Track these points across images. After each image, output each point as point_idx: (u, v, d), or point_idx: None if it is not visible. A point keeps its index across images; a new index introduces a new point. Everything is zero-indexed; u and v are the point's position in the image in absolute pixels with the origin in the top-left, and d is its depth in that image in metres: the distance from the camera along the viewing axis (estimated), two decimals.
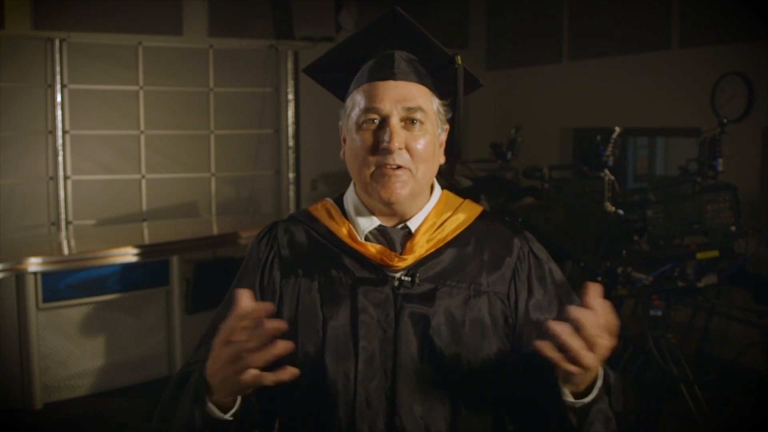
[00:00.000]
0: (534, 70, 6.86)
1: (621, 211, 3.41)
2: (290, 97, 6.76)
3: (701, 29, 5.22)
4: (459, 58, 1.42)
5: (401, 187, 1.35)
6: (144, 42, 6.17)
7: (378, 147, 1.34)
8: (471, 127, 7.39)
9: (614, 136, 3.61)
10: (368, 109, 1.35)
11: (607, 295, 3.54)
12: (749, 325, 3.58)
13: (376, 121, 1.36)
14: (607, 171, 3.60)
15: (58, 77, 5.87)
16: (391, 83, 1.36)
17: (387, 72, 1.37)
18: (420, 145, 1.36)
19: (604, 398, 1.26)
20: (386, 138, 1.33)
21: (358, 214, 1.43)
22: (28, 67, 5.79)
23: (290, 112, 6.79)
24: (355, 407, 1.32)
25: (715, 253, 3.24)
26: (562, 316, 1.43)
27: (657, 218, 3.26)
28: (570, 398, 1.23)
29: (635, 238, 3.41)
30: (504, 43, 7.19)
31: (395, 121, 1.35)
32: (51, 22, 5.83)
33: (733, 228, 3.21)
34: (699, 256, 3.24)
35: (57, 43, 5.83)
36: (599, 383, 1.24)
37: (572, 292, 1.47)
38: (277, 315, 1.39)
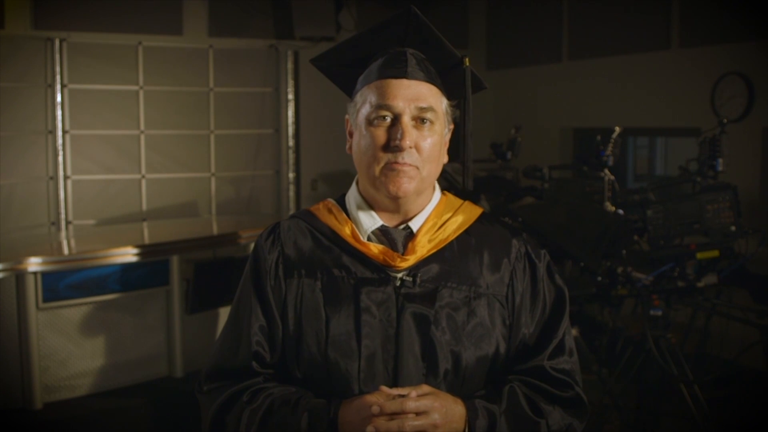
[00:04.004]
0: (534, 70, 6.86)
1: (621, 211, 3.41)
2: (290, 97, 6.75)
3: (701, 29, 5.22)
4: (467, 59, 1.43)
5: (408, 182, 1.36)
6: (144, 42, 6.17)
7: (389, 144, 1.35)
8: (471, 126, 7.38)
9: (614, 136, 3.61)
10: (380, 106, 1.37)
11: (607, 295, 3.52)
12: (749, 325, 3.58)
13: (388, 119, 1.37)
14: (607, 171, 3.60)
15: (58, 77, 5.87)
16: (404, 82, 1.38)
17: (400, 70, 1.38)
18: (428, 144, 1.37)
19: None
20: (398, 136, 1.34)
21: (361, 212, 1.44)
22: (28, 67, 5.78)
23: (290, 112, 6.79)
24: None
25: (715, 253, 3.24)
26: (551, 326, 1.45)
27: (657, 218, 3.26)
28: None
29: (635, 238, 3.41)
30: (504, 43, 7.18)
31: (407, 120, 1.36)
32: (51, 22, 5.82)
33: (733, 228, 3.21)
34: (699, 256, 3.24)
35: (57, 43, 5.83)
36: None
37: (564, 299, 1.49)
38: (282, 315, 1.41)
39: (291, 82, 6.73)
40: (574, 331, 3.23)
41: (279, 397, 1.35)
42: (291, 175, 6.88)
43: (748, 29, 4.83)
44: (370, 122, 1.38)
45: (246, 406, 1.36)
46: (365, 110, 1.39)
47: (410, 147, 1.35)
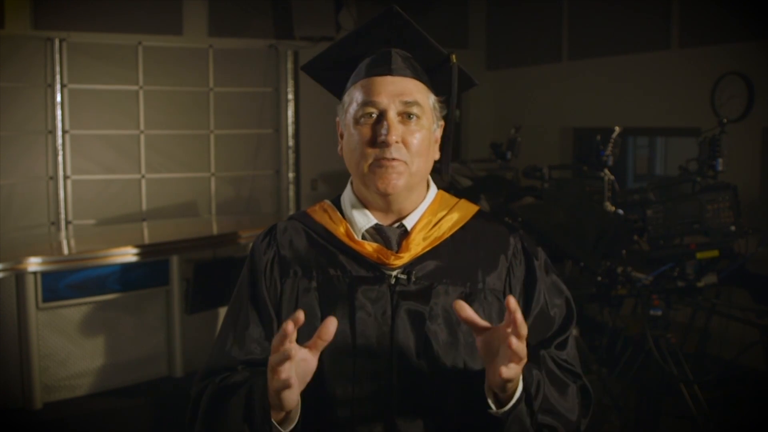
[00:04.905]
0: (534, 70, 6.86)
1: (621, 211, 3.41)
2: (290, 96, 6.75)
3: (701, 29, 5.22)
4: (454, 56, 1.44)
5: (397, 178, 1.37)
6: (144, 42, 6.17)
7: (376, 140, 1.36)
8: (471, 127, 7.39)
9: (614, 136, 3.61)
10: (366, 103, 1.38)
11: (607, 295, 3.51)
12: (749, 325, 3.58)
13: (374, 115, 1.38)
14: (607, 171, 3.60)
15: (58, 77, 5.87)
16: (389, 78, 1.39)
17: (384, 68, 1.39)
18: (416, 139, 1.38)
19: (523, 408, 1.29)
20: (384, 131, 1.35)
21: (355, 211, 1.45)
22: (28, 67, 5.78)
23: (290, 112, 6.79)
24: (353, 404, 1.34)
25: (715, 253, 3.24)
26: (545, 321, 1.46)
27: (657, 218, 3.26)
28: (492, 407, 1.28)
29: (635, 238, 3.41)
30: (504, 43, 7.18)
31: (392, 115, 1.37)
32: (51, 22, 5.82)
33: (732, 228, 3.21)
34: (699, 255, 3.24)
35: (57, 42, 5.83)
36: (518, 392, 1.27)
37: (562, 291, 1.49)
38: (277, 315, 1.42)
39: (291, 82, 6.73)
40: (574, 331, 3.23)
41: (241, 376, 1.36)
42: (291, 175, 6.88)
43: (748, 29, 4.83)
44: (356, 120, 1.39)
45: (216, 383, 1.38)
46: (352, 109, 1.40)
47: (397, 142, 1.36)
